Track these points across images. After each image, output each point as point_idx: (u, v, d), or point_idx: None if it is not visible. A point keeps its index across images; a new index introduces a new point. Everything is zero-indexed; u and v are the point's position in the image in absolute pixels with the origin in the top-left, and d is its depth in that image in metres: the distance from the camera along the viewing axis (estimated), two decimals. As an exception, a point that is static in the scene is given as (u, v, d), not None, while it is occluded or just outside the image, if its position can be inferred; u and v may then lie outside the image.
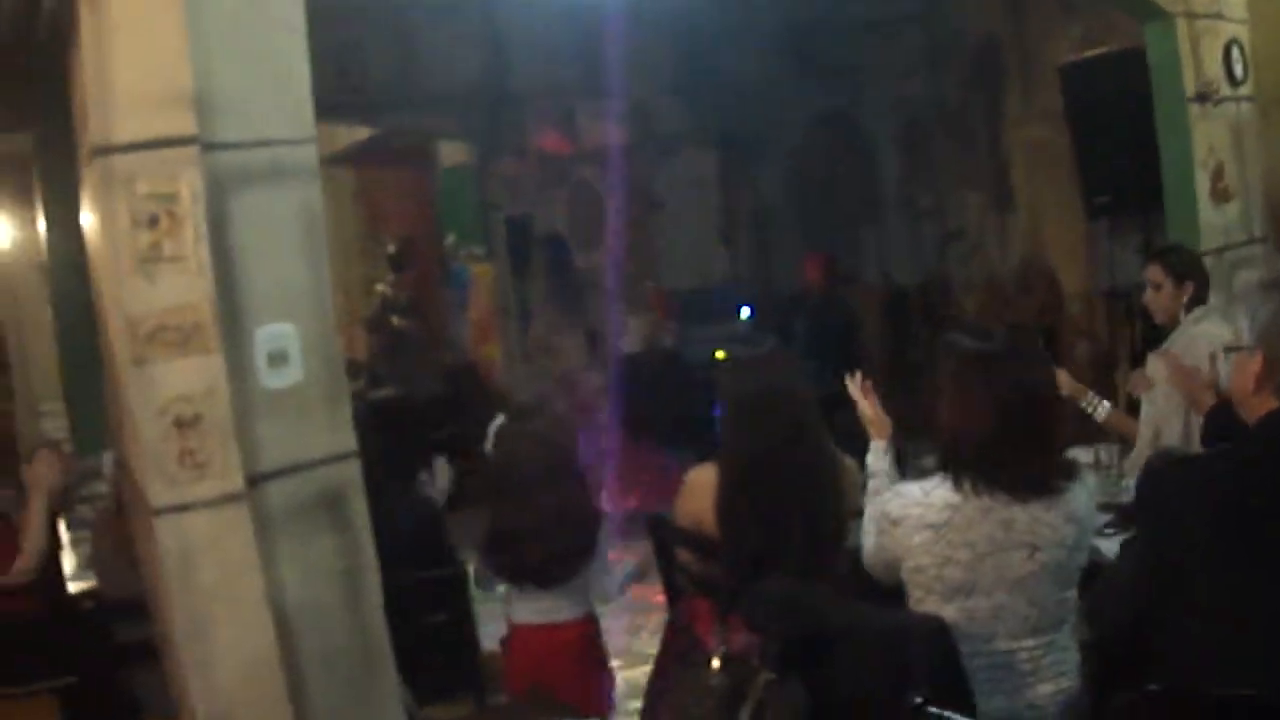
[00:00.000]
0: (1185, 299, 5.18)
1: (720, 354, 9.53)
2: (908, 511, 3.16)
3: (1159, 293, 5.24)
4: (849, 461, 4.09)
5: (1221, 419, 4.44)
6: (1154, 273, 5.28)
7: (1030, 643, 3.11)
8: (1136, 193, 7.60)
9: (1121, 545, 3.74)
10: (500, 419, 4.26)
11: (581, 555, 4.11)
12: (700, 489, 3.95)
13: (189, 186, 3.33)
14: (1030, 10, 8.62)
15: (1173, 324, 5.22)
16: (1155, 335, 5.59)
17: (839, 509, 3.89)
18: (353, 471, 3.69)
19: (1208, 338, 4.97)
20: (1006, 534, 3.05)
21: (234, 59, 3.52)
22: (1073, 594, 3.19)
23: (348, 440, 3.69)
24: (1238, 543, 2.54)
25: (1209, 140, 7.07)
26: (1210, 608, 2.58)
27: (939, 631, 3.06)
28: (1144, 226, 7.84)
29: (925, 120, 9.57)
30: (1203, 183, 7.01)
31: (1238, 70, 7.25)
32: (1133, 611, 2.95)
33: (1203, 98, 7.01)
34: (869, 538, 3.46)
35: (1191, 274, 5.23)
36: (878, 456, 3.91)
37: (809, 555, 3.72)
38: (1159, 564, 2.71)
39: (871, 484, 3.85)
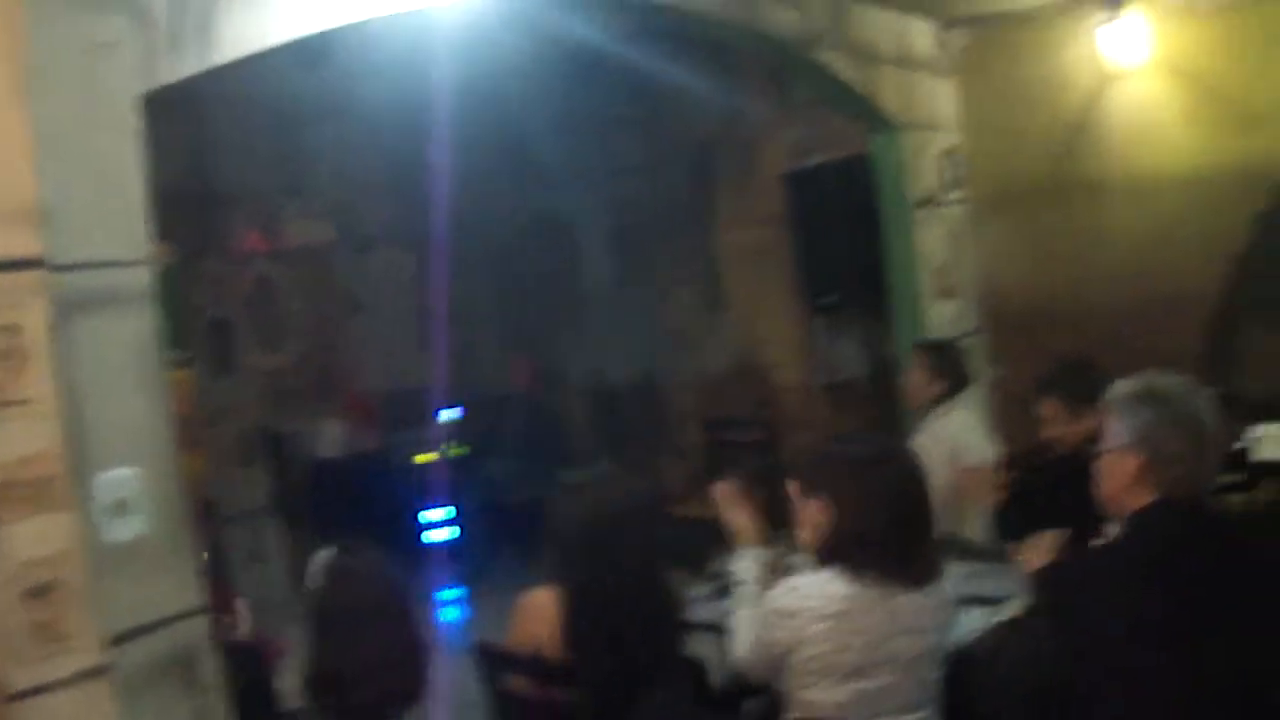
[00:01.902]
0: (936, 392, 5.62)
1: (422, 457, 9.38)
2: (804, 604, 3.26)
3: (912, 379, 5.76)
4: (677, 576, 4.06)
5: (1012, 515, 4.63)
6: (917, 360, 5.77)
7: (909, 718, 3.32)
8: (859, 292, 7.86)
9: (993, 632, 3.87)
10: (324, 551, 3.90)
11: (415, 694, 3.79)
12: (539, 613, 3.79)
13: (37, 316, 2.91)
14: (748, 116, 8.80)
15: (919, 408, 5.70)
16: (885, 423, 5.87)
17: (681, 627, 3.86)
18: (203, 628, 3.31)
19: (956, 426, 5.48)
20: (894, 620, 3.24)
21: (64, 166, 3.11)
22: (939, 673, 3.41)
23: (196, 594, 3.31)
24: (1143, 627, 2.72)
25: (931, 242, 7.41)
26: (1122, 696, 2.73)
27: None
28: (865, 322, 8.12)
29: (639, 221, 9.59)
30: (927, 282, 7.33)
31: (952, 176, 7.63)
32: (1038, 696, 3.06)
33: (926, 203, 7.33)
34: (745, 636, 3.57)
35: (944, 374, 5.64)
36: (749, 564, 3.87)
37: (661, 676, 3.63)
38: (1070, 652, 2.85)
39: (741, 590, 3.82)
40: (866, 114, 7.09)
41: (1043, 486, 4.54)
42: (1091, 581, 2.85)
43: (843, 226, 7.87)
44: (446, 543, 9.18)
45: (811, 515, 3.42)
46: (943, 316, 7.44)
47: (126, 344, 3.24)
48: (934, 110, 7.61)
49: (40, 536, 2.89)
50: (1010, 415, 6.85)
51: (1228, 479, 4.99)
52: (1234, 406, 5.69)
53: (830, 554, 3.32)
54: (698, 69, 8.43)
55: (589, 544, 3.75)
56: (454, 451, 9.47)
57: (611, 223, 9.81)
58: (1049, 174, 7.59)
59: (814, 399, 8.77)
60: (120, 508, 3.13)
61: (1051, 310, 7.51)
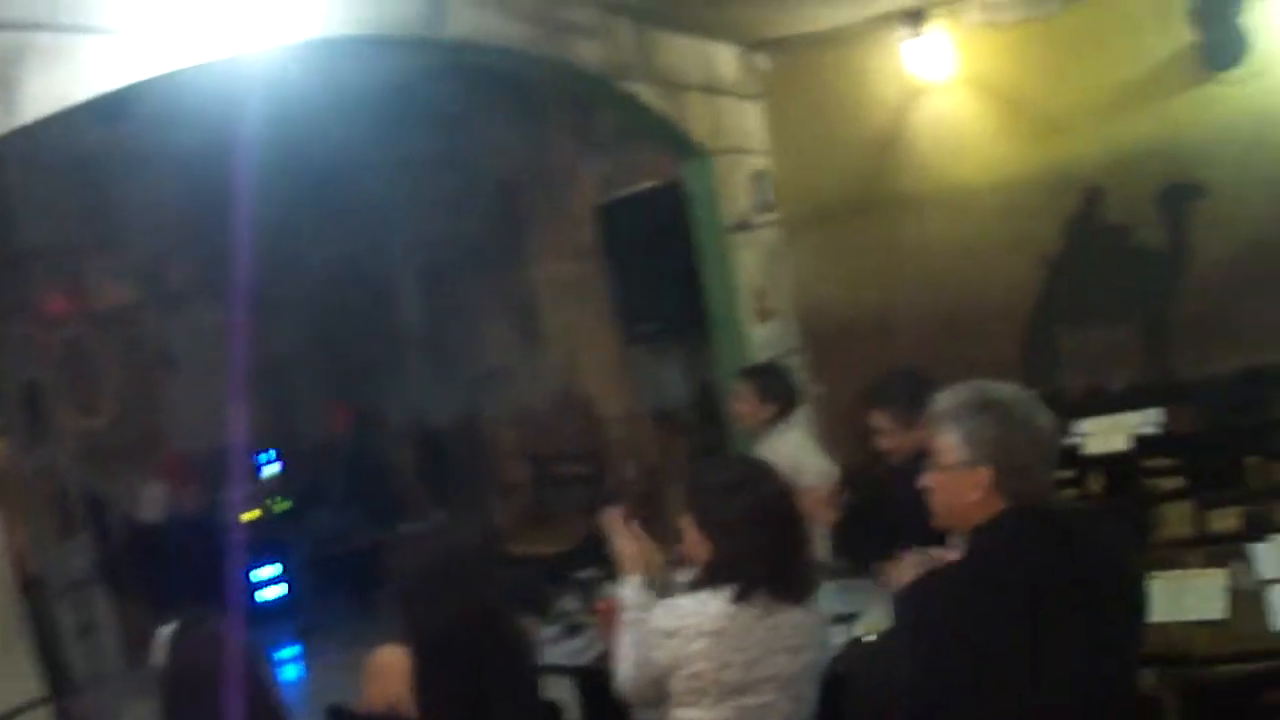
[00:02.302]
0: (767, 415, 5.59)
1: (247, 514, 9.12)
2: (684, 622, 3.27)
3: (744, 404, 5.67)
4: (527, 620, 4.04)
5: (853, 531, 4.67)
6: (740, 387, 5.71)
7: None
8: (678, 318, 7.90)
9: (867, 652, 3.90)
10: (172, 624, 3.78)
11: None
12: (391, 670, 3.72)
13: None
14: (554, 150, 8.80)
15: (755, 431, 5.66)
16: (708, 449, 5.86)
17: (535, 672, 3.86)
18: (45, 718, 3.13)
19: (792, 447, 5.42)
20: (774, 637, 3.27)
21: None
22: (817, 690, 3.44)
23: (30, 686, 3.13)
24: (1008, 637, 2.71)
25: (748, 265, 7.49)
26: (986, 707, 2.72)
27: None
28: (686, 348, 8.16)
29: (452, 259, 9.47)
30: (746, 304, 7.39)
31: (765, 198, 7.74)
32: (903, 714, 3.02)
33: (740, 226, 7.40)
34: (627, 660, 3.55)
35: (774, 397, 5.63)
36: (634, 590, 3.79)
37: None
38: (931, 671, 2.82)
39: (627, 616, 3.73)
40: (676, 142, 7.13)
41: (882, 500, 4.58)
42: (953, 597, 2.82)
43: (658, 255, 7.89)
44: (277, 600, 8.94)
45: (692, 544, 3.44)
46: (763, 338, 7.53)
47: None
48: (743, 134, 7.73)
49: None
50: (836, 430, 6.98)
51: (1059, 475, 5.12)
52: (1056, 405, 5.92)
53: (712, 579, 3.33)
54: (503, 106, 8.41)
55: (433, 596, 3.68)
56: (278, 506, 9.25)
57: (424, 263, 9.67)
58: (859, 190, 7.80)
59: (639, 428, 8.77)
60: (-56, 601, 2.95)
61: (869, 324, 7.72)
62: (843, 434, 6.71)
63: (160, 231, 9.14)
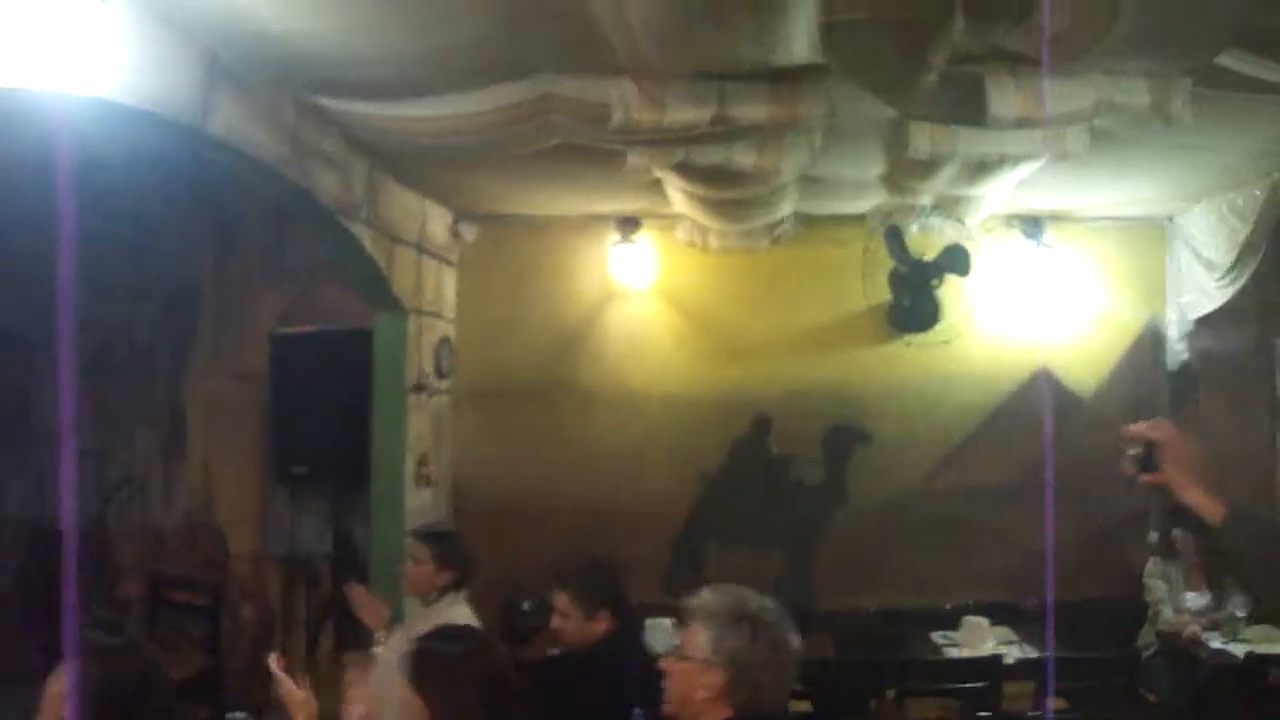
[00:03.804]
0: (443, 582, 5.41)
1: None
2: None
3: (420, 568, 5.45)
4: None
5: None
6: (417, 550, 5.50)
7: None
8: (333, 467, 7.74)
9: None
10: None
11: None
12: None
13: None
14: (236, 268, 8.55)
15: (426, 597, 5.47)
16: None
17: None
18: None
19: (461, 617, 5.16)
20: None
21: None
22: None
23: None
24: None
25: (418, 428, 7.47)
26: None
27: None
28: (333, 498, 7.99)
29: (111, 352, 8.94)
30: (410, 467, 7.33)
31: (445, 365, 7.77)
32: None
33: (419, 388, 7.40)
34: None
35: (451, 564, 5.50)
36: None
37: None
38: None
39: None
40: (377, 291, 7.05)
41: (558, 681, 4.60)
42: None
43: (326, 398, 7.71)
44: None
45: (407, 707, 3.30)
46: (419, 503, 7.47)
47: None
48: (439, 298, 7.76)
49: None
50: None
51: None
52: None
53: None
54: (199, 210, 8.17)
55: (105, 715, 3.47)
56: None
57: (80, 349, 9.07)
58: (537, 376, 7.99)
59: (267, 569, 8.46)
60: None
61: (522, 506, 7.79)
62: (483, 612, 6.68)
63: None
